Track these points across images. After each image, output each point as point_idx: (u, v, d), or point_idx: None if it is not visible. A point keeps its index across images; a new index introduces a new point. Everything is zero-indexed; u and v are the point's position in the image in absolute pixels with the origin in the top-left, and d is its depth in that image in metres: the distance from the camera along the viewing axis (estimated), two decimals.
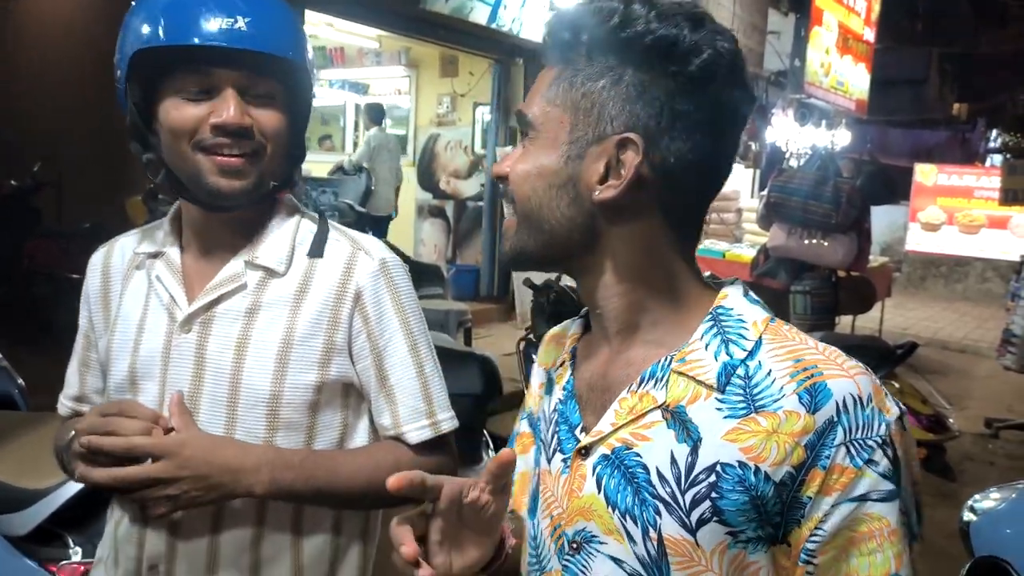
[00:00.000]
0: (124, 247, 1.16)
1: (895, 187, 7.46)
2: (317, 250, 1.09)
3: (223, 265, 1.07)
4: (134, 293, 1.11)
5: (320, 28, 7.76)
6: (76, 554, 1.72)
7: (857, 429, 0.67)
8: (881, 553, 0.67)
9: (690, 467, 0.70)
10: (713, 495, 0.69)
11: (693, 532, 0.69)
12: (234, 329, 1.05)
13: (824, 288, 5.88)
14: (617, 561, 0.73)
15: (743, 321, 0.73)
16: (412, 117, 9.30)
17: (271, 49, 0.99)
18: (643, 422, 0.73)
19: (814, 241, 5.68)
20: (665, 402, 0.72)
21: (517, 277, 7.40)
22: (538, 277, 4.01)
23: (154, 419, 0.95)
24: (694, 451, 0.70)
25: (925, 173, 12.55)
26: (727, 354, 0.72)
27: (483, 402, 3.83)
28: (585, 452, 0.76)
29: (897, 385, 4.00)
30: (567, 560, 0.77)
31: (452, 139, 8.83)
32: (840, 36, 11.37)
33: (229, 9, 0.96)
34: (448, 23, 6.76)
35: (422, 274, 6.97)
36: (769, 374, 0.70)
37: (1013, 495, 2.05)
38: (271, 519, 1.07)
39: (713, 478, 0.69)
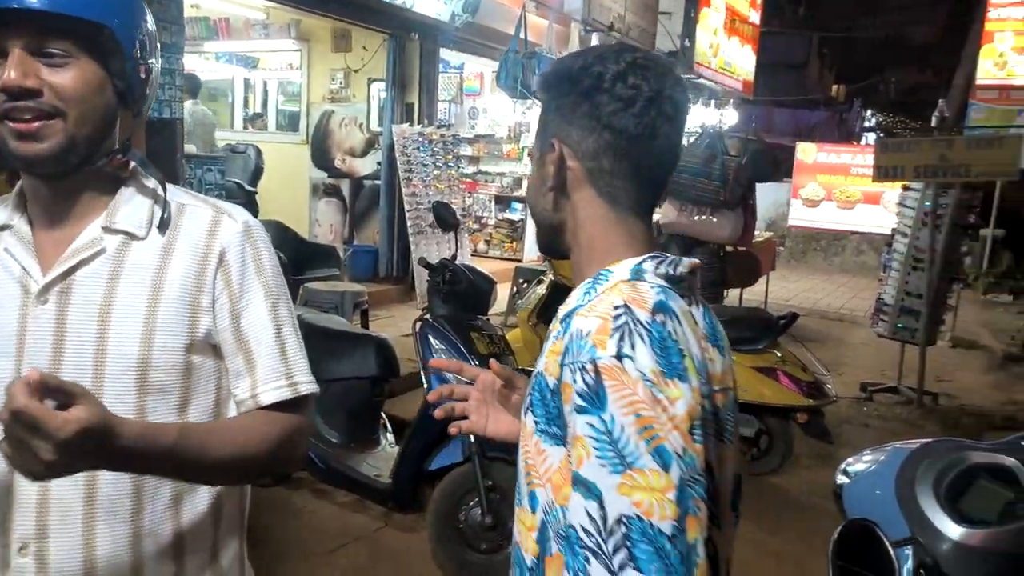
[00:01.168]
0: None
1: (778, 165, 7.78)
2: (178, 214, 1.09)
3: (78, 233, 1.05)
4: None
5: None
6: None
7: (575, 354, 0.87)
8: (573, 452, 0.86)
9: (536, 372, 0.96)
10: (530, 392, 0.95)
11: (524, 416, 0.96)
12: (96, 296, 1.03)
13: (713, 263, 6.09)
14: None
15: (607, 281, 0.95)
16: (304, 93, 9.00)
17: (54, 7, 0.95)
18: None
19: (703, 217, 5.87)
20: (550, 331, 0.99)
21: (415, 257, 7.31)
22: (434, 257, 3.96)
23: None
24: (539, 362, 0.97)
25: (806, 151, 13.17)
26: (580, 301, 0.95)
27: (379, 384, 3.78)
28: None
29: (779, 354, 4.19)
30: None
31: (347, 116, 8.60)
32: (728, 18, 11.73)
33: None
34: None
35: (317, 255, 6.79)
36: (577, 315, 0.92)
37: (882, 457, 2.16)
38: (148, 487, 1.05)
39: (534, 380, 0.95)
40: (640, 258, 0.96)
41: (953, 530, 1.32)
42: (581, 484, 0.84)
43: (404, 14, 7.22)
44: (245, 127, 10.24)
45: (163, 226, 1.07)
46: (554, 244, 1.05)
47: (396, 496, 3.27)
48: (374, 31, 7.78)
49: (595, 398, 0.84)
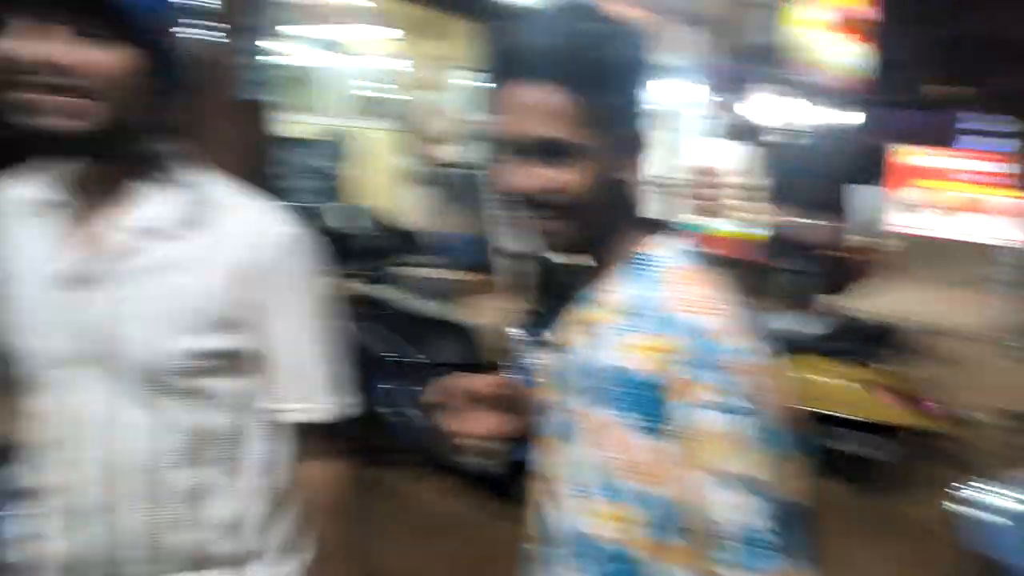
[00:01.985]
0: (18, 189, 1.08)
1: (885, 168, 7.43)
2: (218, 213, 1.04)
3: (111, 224, 1.02)
4: (32, 242, 1.04)
5: None
6: None
7: (702, 352, 0.87)
8: (712, 452, 0.87)
9: (611, 366, 0.97)
10: (608, 387, 0.95)
11: (598, 410, 0.98)
12: (124, 290, 1.01)
13: (816, 267, 5.87)
14: None
15: (661, 266, 0.96)
16: (397, 81, 9.03)
17: None
18: None
19: (809, 219, 5.69)
20: (601, 320, 1.03)
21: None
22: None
23: None
24: None
25: (912, 154, 12.57)
26: (646, 289, 0.96)
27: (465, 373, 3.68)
28: None
29: (898, 370, 3.91)
30: None
31: (435, 104, 8.59)
32: (837, 14, 11.24)
33: None
34: None
35: (404, 241, 6.79)
36: (684, 312, 0.93)
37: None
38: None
39: (611, 374, 0.95)
40: (667, 237, 0.99)
41: None
42: (735, 479, 0.86)
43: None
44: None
45: None
46: (595, 237, 1.00)
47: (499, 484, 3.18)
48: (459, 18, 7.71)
49: (733, 393, 0.87)
